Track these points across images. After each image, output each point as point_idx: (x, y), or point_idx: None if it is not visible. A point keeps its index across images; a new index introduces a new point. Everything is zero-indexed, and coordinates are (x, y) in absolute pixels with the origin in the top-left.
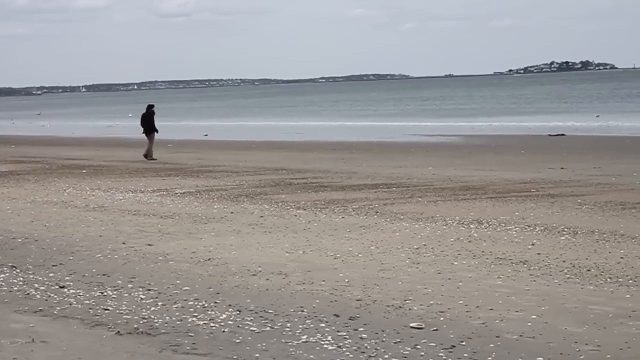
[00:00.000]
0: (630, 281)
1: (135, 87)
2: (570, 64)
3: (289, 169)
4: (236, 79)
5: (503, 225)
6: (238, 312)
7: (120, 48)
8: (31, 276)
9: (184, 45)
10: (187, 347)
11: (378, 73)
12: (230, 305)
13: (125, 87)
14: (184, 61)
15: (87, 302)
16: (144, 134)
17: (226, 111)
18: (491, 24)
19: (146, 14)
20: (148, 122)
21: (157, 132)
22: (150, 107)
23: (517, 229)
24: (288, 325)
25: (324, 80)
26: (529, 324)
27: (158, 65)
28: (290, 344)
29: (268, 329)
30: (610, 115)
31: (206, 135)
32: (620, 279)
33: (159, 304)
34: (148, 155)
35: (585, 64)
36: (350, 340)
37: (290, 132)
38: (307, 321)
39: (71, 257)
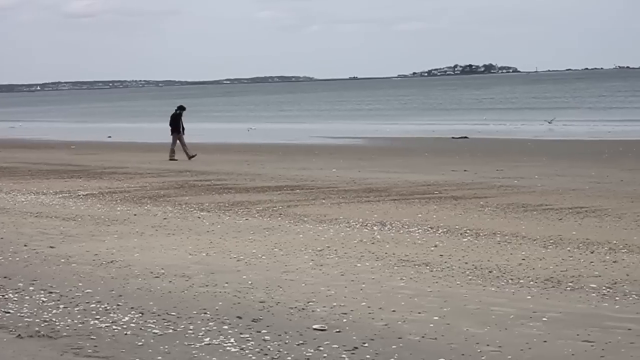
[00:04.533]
0: (531, 282)
1: (39, 87)
2: (473, 67)
3: (192, 171)
4: (140, 81)
5: (406, 227)
6: (140, 315)
7: (23, 48)
8: None
9: (88, 46)
10: (89, 350)
11: (283, 75)
12: (132, 307)
13: (28, 87)
14: (88, 62)
15: None
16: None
17: (130, 113)
18: (397, 27)
19: (52, 14)
20: (175, 122)
21: (183, 132)
22: (180, 108)
23: (420, 230)
24: (191, 327)
25: (229, 82)
26: (431, 325)
27: (62, 66)
28: (193, 346)
29: (171, 331)
30: (509, 119)
31: (110, 137)
32: (521, 280)
33: (61, 306)
34: (183, 155)
35: (489, 68)
36: (253, 342)
37: (193, 134)
38: (210, 323)
39: None
